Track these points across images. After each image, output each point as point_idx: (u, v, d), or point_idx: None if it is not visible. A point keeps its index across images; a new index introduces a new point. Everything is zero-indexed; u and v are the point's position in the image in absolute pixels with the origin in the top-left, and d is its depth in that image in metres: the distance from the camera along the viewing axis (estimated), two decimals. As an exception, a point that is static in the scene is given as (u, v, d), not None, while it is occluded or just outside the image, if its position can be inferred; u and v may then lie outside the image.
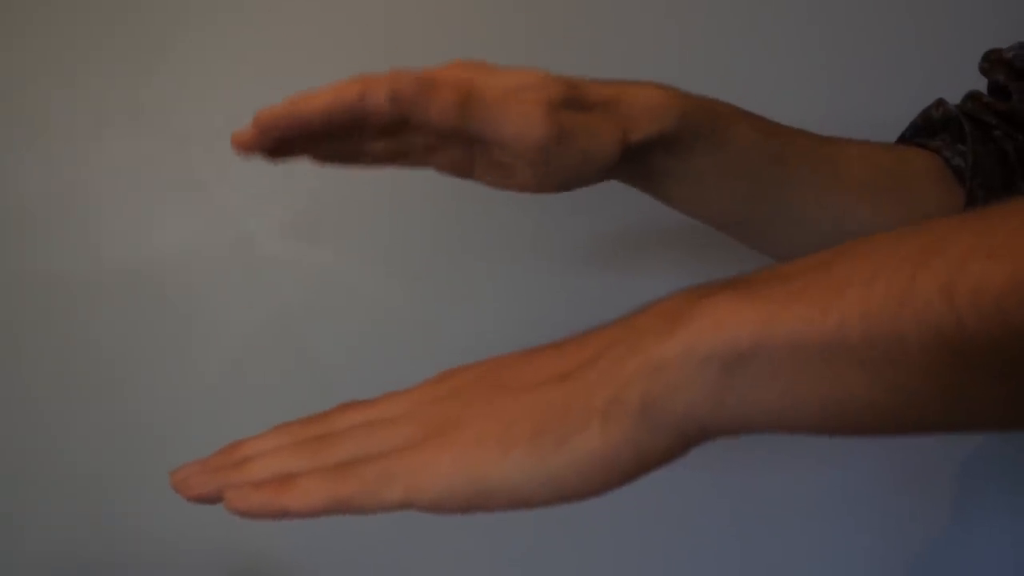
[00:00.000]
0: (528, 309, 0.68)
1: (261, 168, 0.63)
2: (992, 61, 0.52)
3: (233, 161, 0.68)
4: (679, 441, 0.28)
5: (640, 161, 0.45)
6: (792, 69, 0.67)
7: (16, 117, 0.67)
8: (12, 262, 0.67)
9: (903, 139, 0.55)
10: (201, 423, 0.68)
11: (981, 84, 0.54)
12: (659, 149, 0.44)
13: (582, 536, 0.69)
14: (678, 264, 0.68)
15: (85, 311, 0.68)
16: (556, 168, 0.42)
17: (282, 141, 0.42)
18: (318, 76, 0.67)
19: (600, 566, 0.70)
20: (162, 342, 0.68)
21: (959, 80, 0.55)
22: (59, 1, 0.66)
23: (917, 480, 0.70)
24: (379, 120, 0.41)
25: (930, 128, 0.53)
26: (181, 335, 0.68)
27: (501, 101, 0.40)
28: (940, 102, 0.53)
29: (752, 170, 0.46)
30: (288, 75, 0.67)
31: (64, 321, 0.67)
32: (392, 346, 0.68)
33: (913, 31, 0.67)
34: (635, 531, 0.69)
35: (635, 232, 0.68)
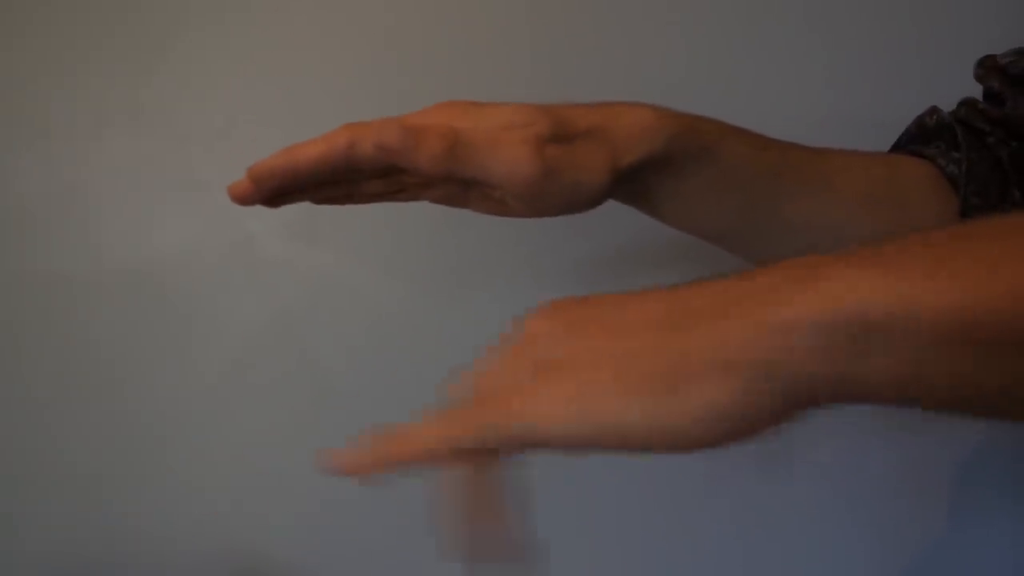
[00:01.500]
0: (528, 309, 0.68)
1: (261, 168, 0.63)
2: (987, 68, 0.52)
3: (233, 161, 0.67)
4: (792, 405, 0.28)
5: (631, 182, 0.45)
6: (794, 71, 0.67)
7: (16, 117, 0.67)
8: (12, 262, 0.67)
9: (898, 147, 0.55)
10: (201, 423, 0.68)
11: (977, 88, 0.54)
12: (649, 170, 0.44)
13: (584, 540, 0.69)
14: (675, 264, 0.68)
15: (85, 311, 0.67)
16: (547, 200, 0.43)
17: (276, 191, 0.43)
18: (319, 76, 0.67)
19: (602, 570, 0.70)
20: (162, 342, 0.68)
21: (958, 82, 0.54)
22: (59, 1, 0.66)
23: (916, 483, 0.70)
24: (370, 167, 0.42)
25: (924, 136, 0.53)
26: (181, 335, 0.68)
27: (489, 144, 0.41)
28: (934, 109, 0.53)
29: (744, 184, 0.47)
30: (289, 75, 0.67)
31: (64, 321, 0.67)
32: (392, 347, 0.68)
33: (913, 34, 0.67)
34: (636, 535, 0.69)
35: (632, 231, 0.68)
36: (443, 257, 0.68)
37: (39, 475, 0.68)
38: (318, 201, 0.46)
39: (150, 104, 0.67)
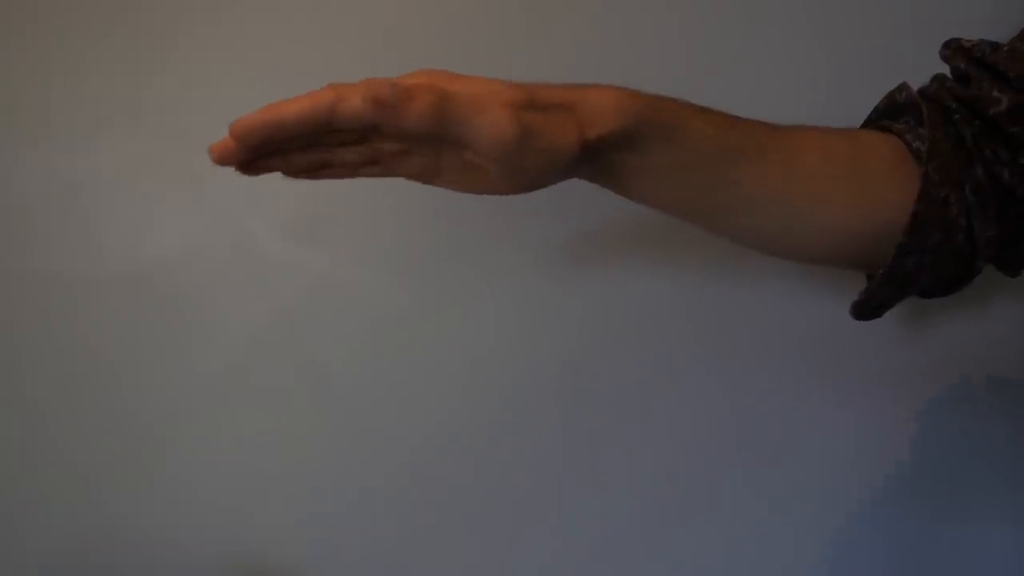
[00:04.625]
0: (527, 308, 0.68)
1: (261, 168, 0.63)
2: (953, 49, 0.53)
3: (233, 161, 0.68)
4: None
5: (601, 158, 0.46)
6: (793, 71, 0.67)
7: (16, 117, 0.67)
8: (12, 262, 0.67)
9: (869, 121, 0.56)
10: (201, 423, 0.68)
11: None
12: (617, 146, 0.46)
13: (585, 540, 0.70)
14: (665, 260, 0.68)
15: (85, 311, 0.68)
16: (523, 166, 0.44)
17: (259, 150, 0.43)
18: (319, 75, 0.67)
19: (603, 568, 0.70)
20: (162, 342, 0.68)
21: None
22: (59, 1, 0.66)
23: (916, 483, 0.70)
24: (353, 125, 0.42)
25: (894, 111, 0.54)
26: (181, 335, 0.68)
27: (473, 103, 0.42)
28: (903, 86, 0.54)
29: (710, 162, 0.48)
30: (288, 74, 0.67)
31: (64, 321, 0.67)
32: (392, 346, 0.68)
33: (910, 34, 0.67)
34: (637, 531, 0.69)
35: (626, 232, 0.68)
36: (443, 257, 0.68)
37: (39, 475, 0.68)
38: (293, 171, 0.46)
39: (150, 104, 0.67)
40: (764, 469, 0.69)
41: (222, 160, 0.43)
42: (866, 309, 0.54)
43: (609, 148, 0.46)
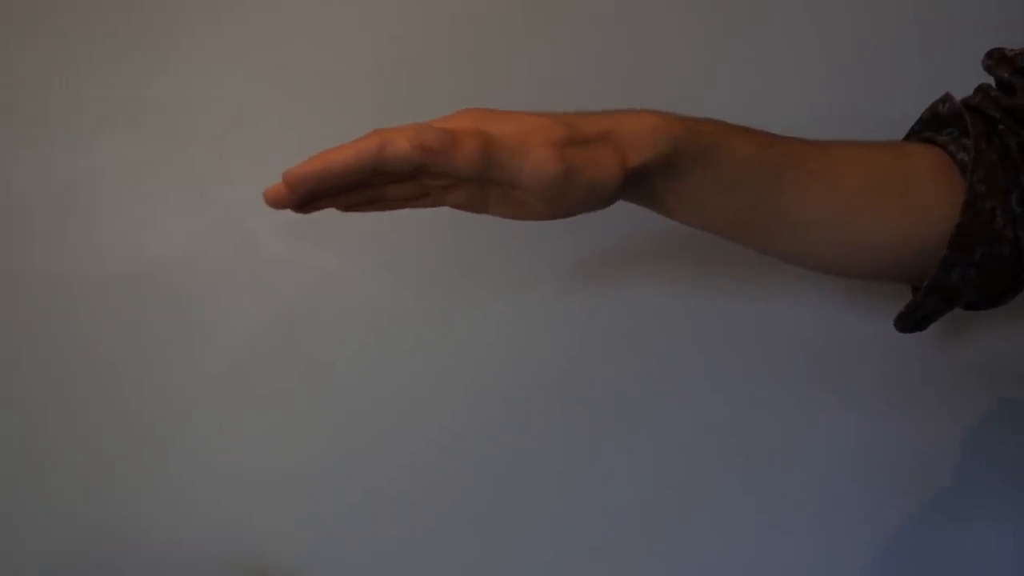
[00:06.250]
0: (531, 309, 0.68)
1: (264, 168, 0.63)
2: (995, 59, 0.53)
3: (235, 161, 0.68)
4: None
5: (642, 184, 0.47)
6: (794, 71, 0.67)
7: (16, 117, 0.67)
8: (12, 262, 0.67)
9: (912, 133, 0.56)
10: (202, 423, 0.68)
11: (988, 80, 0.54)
12: (658, 171, 0.46)
13: (586, 541, 0.70)
14: (669, 264, 0.68)
15: (85, 311, 0.67)
16: (566, 200, 0.45)
17: (309, 196, 0.45)
18: (320, 76, 0.67)
19: (603, 568, 0.70)
20: (163, 343, 0.68)
21: (958, 80, 0.55)
22: (59, 1, 0.66)
23: (917, 482, 0.70)
24: (402, 168, 0.43)
25: (937, 122, 0.54)
26: (182, 336, 0.68)
27: (517, 146, 0.43)
28: (947, 97, 0.54)
29: (750, 182, 0.48)
30: (290, 74, 0.67)
31: (64, 321, 0.67)
32: (394, 347, 0.68)
33: (914, 33, 0.67)
34: (637, 533, 0.69)
35: (631, 233, 0.68)
36: (446, 258, 0.68)
37: (39, 475, 0.68)
38: (344, 208, 0.48)
39: (151, 104, 0.67)
40: (765, 472, 0.69)
41: (276, 204, 0.45)
42: (910, 321, 0.53)
43: (650, 174, 0.46)
